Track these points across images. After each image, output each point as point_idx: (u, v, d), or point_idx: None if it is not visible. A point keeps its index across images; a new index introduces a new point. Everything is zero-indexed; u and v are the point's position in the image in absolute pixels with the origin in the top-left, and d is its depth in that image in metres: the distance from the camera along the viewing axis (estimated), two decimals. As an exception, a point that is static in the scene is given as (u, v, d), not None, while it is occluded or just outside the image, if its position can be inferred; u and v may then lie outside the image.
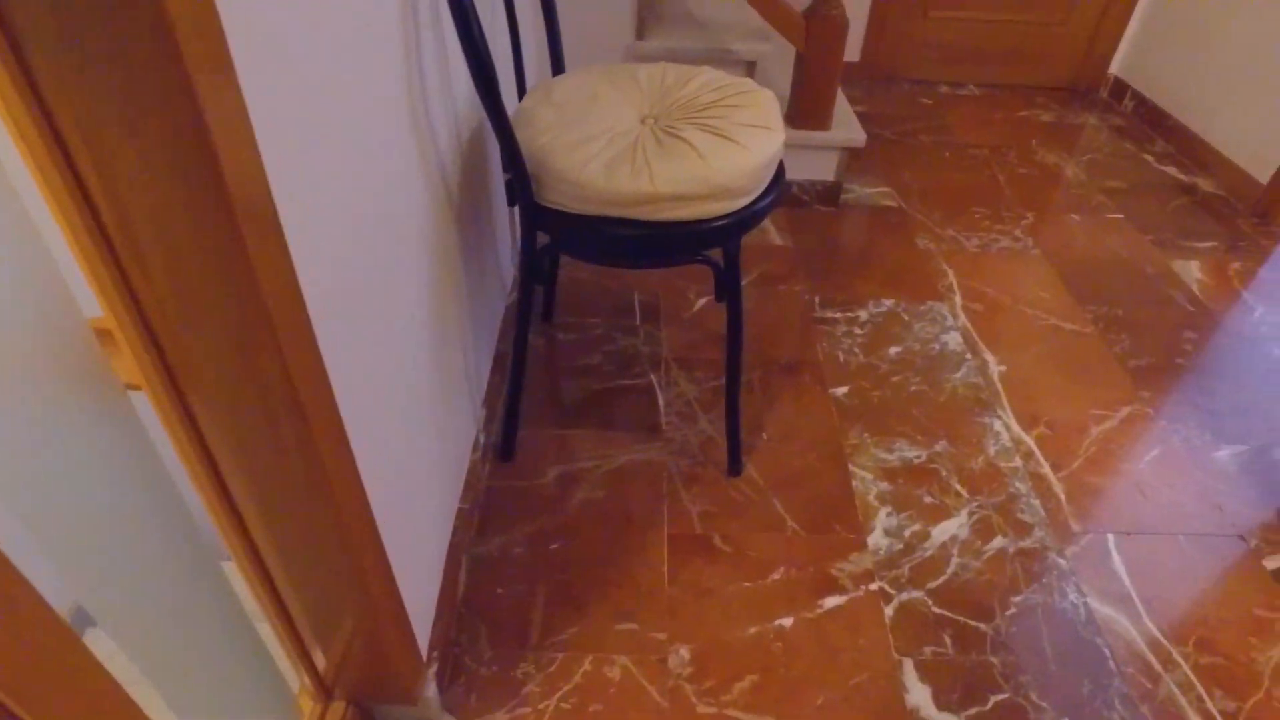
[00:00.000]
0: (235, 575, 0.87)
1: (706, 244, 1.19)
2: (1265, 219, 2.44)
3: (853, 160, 2.59)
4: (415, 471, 1.07)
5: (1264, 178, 2.44)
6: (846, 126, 2.22)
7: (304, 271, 0.68)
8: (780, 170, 1.29)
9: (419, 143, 1.03)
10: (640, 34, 2.09)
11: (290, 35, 0.64)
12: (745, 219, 1.18)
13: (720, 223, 1.17)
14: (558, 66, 1.49)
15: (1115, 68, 3.25)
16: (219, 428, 0.71)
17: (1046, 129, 2.98)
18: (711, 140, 1.16)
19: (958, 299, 2.01)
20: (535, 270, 1.30)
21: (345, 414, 0.78)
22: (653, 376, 1.70)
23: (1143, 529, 1.47)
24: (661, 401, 1.65)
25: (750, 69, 2.13)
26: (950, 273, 2.11)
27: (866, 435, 1.61)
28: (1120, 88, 3.21)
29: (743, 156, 1.14)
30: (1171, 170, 2.73)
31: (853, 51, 3.20)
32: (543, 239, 1.26)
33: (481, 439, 1.47)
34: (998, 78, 3.31)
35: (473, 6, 1.01)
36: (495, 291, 1.64)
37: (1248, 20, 2.55)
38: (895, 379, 1.75)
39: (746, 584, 1.33)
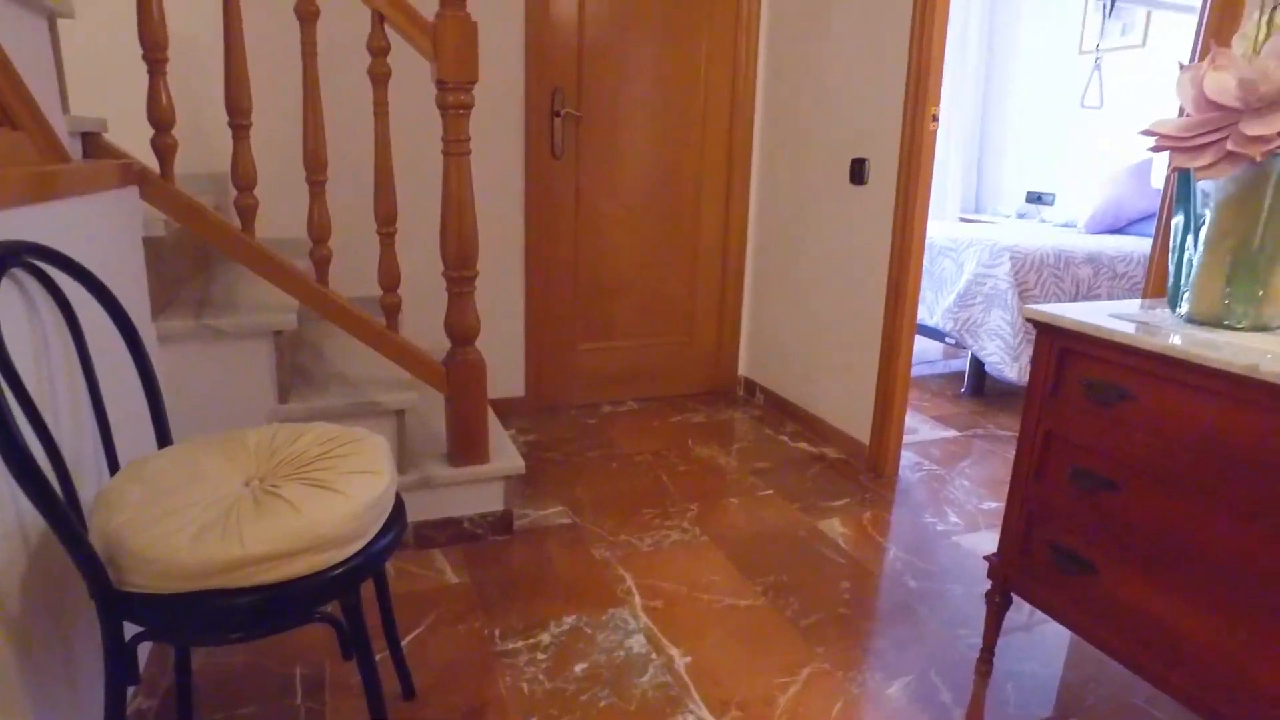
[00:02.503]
0: None
1: (322, 599, 1.12)
2: (877, 473, 2.86)
3: (524, 487, 2.69)
4: None
5: (865, 440, 2.90)
6: (505, 456, 2.33)
7: None
8: (398, 509, 1.28)
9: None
10: (283, 397, 2.09)
11: None
12: (357, 567, 1.14)
13: (332, 574, 1.12)
14: (164, 439, 1.42)
15: (743, 370, 3.82)
16: None
17: (699, 428, 3.34)
18: (310, 492, 1.14)
19: (638, 600, 2.05)
20: (124, 670, 1.12)
21: None
22: (313, 763, 1.48)
23: (843, 794, 1.46)
24: (323, 792, 1.42)
25: (400, 418, 2.20)
26: (628, 576, 2.16)
27: (560, 769, 1.49)
28: (751, 385, 3.75)
29: (342, 504, 1.12)
30: (803, 445, 3.15)
31: (518, 387, 3.45)
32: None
33: None
34: (651, 392, 3.73)
35: (6, 411, 0.95)
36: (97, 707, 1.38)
37: (807, 329, 3.18)
38: (584, 698, 1.67)
39: None
